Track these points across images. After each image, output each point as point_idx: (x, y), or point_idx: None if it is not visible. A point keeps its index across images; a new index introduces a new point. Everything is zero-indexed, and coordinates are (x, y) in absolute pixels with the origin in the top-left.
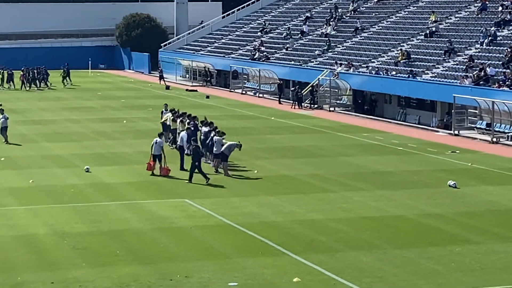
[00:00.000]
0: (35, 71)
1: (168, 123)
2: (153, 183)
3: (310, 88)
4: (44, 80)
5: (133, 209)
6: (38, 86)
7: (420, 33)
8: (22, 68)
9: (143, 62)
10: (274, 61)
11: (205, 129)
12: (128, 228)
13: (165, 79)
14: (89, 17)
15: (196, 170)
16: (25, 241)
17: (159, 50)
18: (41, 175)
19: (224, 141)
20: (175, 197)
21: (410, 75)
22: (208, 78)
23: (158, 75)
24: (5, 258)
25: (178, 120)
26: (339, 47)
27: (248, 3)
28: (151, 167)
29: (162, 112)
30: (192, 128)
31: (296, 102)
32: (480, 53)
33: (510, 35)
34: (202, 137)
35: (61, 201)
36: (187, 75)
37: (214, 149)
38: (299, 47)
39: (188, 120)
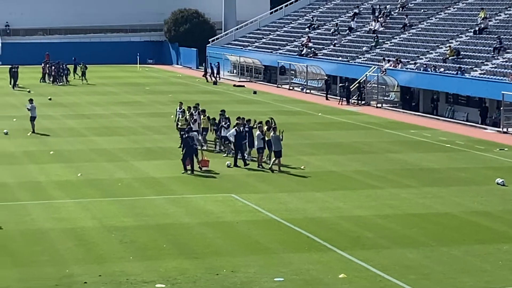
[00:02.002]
0: (58, 66)
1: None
2: (200, 178)
3: (357, 84)
4: (64, 75)
5: (180, 203)
6: (58, 81)
7: (469, 30)
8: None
9: (191, 57)
10: (321, 57)
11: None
12: (175, 222)
13: (215, 75)
14: (138, 12)
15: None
16: (73, 234)
17: (207, 45)
18: (89, 169)
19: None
20: (222, 191)
21: (459, 72)
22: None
23: (215, 70)
24: (53, 250)
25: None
26: (387, 43)
27: None
28: (206, 163)
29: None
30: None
31: (345, 98)
32: None
33: None
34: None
35: (109, 194)
36: (235, 71)
37: (255, 143)
38: (347, 43)
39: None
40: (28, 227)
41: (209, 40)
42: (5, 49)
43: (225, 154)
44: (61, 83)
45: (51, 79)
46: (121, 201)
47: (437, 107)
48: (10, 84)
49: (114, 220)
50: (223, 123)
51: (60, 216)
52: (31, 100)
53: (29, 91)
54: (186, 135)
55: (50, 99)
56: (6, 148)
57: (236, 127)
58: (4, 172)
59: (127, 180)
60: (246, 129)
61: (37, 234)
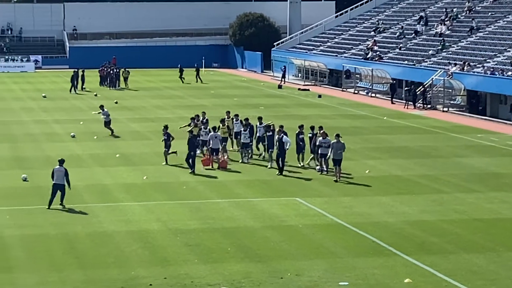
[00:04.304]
0: (112, 70)
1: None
2: (264, 182)
3: (422, 88)
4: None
5: (244, 206)
6: (113, 85)
7: None
8: (101, 67)
9: (256, 61)
10: (387, 60)
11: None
12: (239, 226)
13: (283, 78)
14: (203, 16)
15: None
16: (138, 237)
17: (272, 49)
18: (155, 172)
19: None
20: (286, 195)
21: None
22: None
23: (280, 74)
24: (119, 252)
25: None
26: (454, 47)
27: (361, 2)
28: (209, 162)
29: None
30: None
31: (412, 102)
32: None
33: None
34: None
35: (174, 197)
36: (300, 75)
37: (319, 150)
38: (413, 47)
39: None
40: (95, 229)
41: (274, 43)
42: (72, 53)
43: (241, 160)
44: (114, 88)
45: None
46: (186, 204)
47: None
48: (75, 90)
49: (179, 223)
50: (242, 129)
51: (125, 219)
52: (101, 107)
53: (95, 95)
54: (191, 135)
55: (116, 102)
56: (73, 151)
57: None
58: (71, 175)
59: (191, 183)
60: (304, 136)
61: (103, 236)
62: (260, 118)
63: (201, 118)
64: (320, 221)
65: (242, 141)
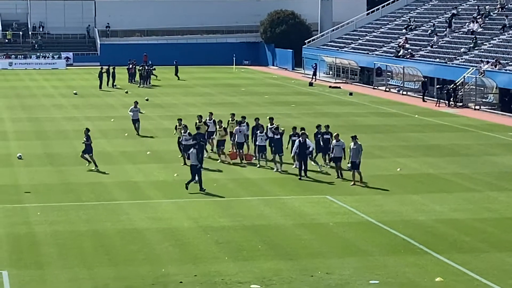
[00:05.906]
0: (143, 67)
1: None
2: (294, 179)
3: (454, 86)
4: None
5: (274, 204)
6: (143, 83)
7: None
8: (130, 65)
9: (287, 59)
10: (418, 58)
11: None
12: (269, 223)
13: (314, 76)
14: (234, 13)
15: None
16: (169, 234)
17: (303, 46)
18: (185, 169)
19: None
20: (317, 193)
21: None
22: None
23: (311, 71)
24: (149, 250)
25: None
26: (486, 44)
27: None
28: (235, 156)
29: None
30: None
31: (447, 100)
32: None
33: None
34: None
35: (204, 195)
36: (331, 72)
37: (334, 153)
38: (444, 45)
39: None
40: (125, 226)
41: (305, 41)
42: (104, 50)
43: (258, 165)
44: (143, 86)
45: (137, 80)
46: (216, 202)
47: None
48: (107, 85)
49: (210, 220)
50: (258, 131)
51: (156, 216)
52: (135, 103)
53: (126, 92)
54: (197, 133)
55: (147, 99)
56: (104, 148)
57: (300, 138)
58: (102, 172)
59: (222, 181)
60: (326, 137)
61: (133, 233)
62: (271, 119)
63: (207, 119)
64: (351, 219)
65: (258, 144)
